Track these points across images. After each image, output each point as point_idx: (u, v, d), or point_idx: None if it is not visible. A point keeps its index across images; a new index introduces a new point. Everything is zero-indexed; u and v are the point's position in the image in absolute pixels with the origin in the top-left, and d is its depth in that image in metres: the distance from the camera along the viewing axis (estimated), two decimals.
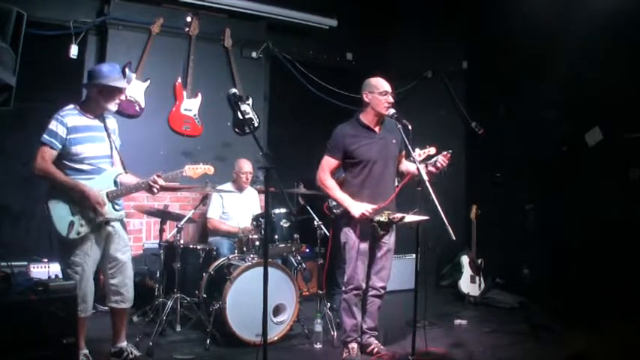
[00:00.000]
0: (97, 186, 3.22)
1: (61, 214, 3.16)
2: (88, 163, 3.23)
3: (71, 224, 3.15)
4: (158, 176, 3.25)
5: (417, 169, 3.37)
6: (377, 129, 3.69)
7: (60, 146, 3.16)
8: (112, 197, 3.26)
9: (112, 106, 3.31)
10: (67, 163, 3.20)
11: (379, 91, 3.60)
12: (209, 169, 3.49)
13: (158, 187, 3.26)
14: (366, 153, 3.61)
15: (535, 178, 5.62)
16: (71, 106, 3.31)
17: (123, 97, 3.37)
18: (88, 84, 3.34)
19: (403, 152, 3.83)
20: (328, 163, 3.66)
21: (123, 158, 3.45)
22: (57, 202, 3.16)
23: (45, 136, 3.15)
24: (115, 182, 3.32)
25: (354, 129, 3.67)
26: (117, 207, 3.34)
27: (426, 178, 3.32)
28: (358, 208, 3.49)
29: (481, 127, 6.44)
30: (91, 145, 3.25)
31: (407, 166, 3.84)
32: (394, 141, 3.71)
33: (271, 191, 2.95)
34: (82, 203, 3.17)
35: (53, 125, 3.17)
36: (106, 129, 3.36)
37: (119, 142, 3.50)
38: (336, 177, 3.76)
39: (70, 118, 3.21)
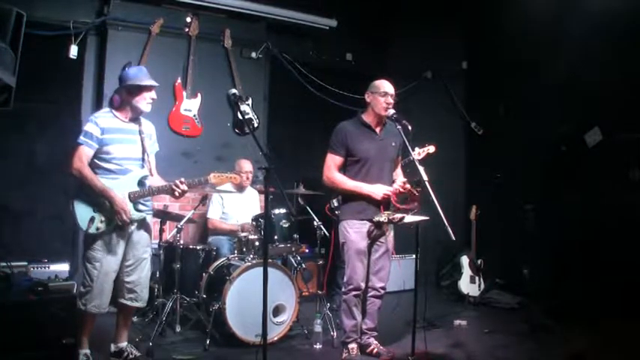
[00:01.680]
0: (121, 186, 3.28)
1: (83, 208, 3.22)
2: (115, 163, 3.30)
3: (92, 219, 3.21)
4: (181, 182, 3.31)
5: (417, 168, 3.38)
6: (378, 129, 3.72)
7: (96, 146, 3.26)
8: (134, 198, 3.31)
9: (144, 106, 3.37)
10: (96, 161, 3.28)
11: (379, 91, 3.64)
12: (235, 178, 3.52)
13: (180, 190, 3.31)
14: (365, 151, 3.63)
15: (535, 178, 5.62)
16: (107, 109, 3.46)
17: (154, 97, 3.40)
18: (117, 89, 3.43)
19: (399, 157, 3.86)
20: (333, 160, 3.68)
21: (154, 162, 3.51)
22: (82, 197, 3.23)
23: (81, 137, 3.26)
24: (141, 183, 3.36)
25: (356, 126, 3.71)
26: (141, 207, 3.37)
27: (425, 177, 3.32)
28: (379, 189, 3.55)
29: (481, 127, 6.44)
30: (121, 146, 3.32)
31: (397, 175, 3.87)
32: (394, 144, 3.74)
33: (271, 191, 2.95)
34: (107, 207, 3.22)
35: (88, 127, 3.27)
36: (140, 132, 3.42)
37: (157, 147, 3.58)
38: None
39: (103, 119, 3.31)
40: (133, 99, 3.34)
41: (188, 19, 5.38)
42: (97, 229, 3.22)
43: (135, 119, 3.43)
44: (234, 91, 3.29)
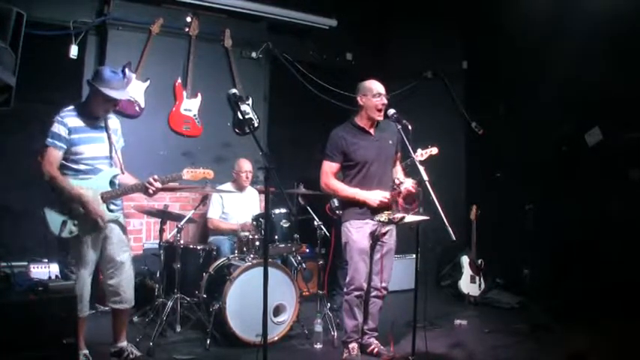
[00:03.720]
0: (92, 186, 3.24)
1: (54, 212, 3.17)
2: (85, 163, 3.24)
3: (64, 223, 3.16)
4: (154, 179, 3.25)
5: (418, 169, 3.38)
6: (372, 131, 3.71)
7: (65, 147, 3.19)
8: (107, 198, 3.26)
9: (99, 113, 3.29)
10: (65, 162, 3.22)
11: (372, 93, 3.63)
12: (208, 174, 3.47)
13: (154, 188, 3.26)
14: (362, 155, 3.63)
15: (535, 178, 5.62)
16: (71, 107, 3.32)
17: (113, 106, 3.33)
18: (88, 82, 3.32)
19: (399, 154, 3.86)
20: (330, 167, 3.68)
21: (122, 159, 3.44)
22: (52, 204, 3.17)
23: (49, 139, 3.19)
24: (112, 183, 3.32)
25: (349, 132, 3.69)
26: (113, 207, 3.33)
27: (426, 178, 3.32)
28: (375, 195, 3.53)
29: (481, 127, 6.44)
30: (90, 145, 3.26)
31: (396, 172, 3.86)
32: (390, 142, 3.74)
33: (271, 191, 2.95)
34: (80, 213, 3.17)
35: (55, 127, 3.20)
36: (107, 129, 3.35)
37: (122, 142, 3.51)
38: None
39: (69, 119, 3.23)
40: (94, 101, 3.26)
41: (188, 19, 5.38)
42: (71, 232, 3.17)
43: (100, 116, 3.34)
44: (234, 90, 3.28)
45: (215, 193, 4.82)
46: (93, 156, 3.27)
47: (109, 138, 3.35)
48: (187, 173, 3.36)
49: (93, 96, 3.27)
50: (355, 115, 3.76)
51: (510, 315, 4.99)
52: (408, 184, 3.47)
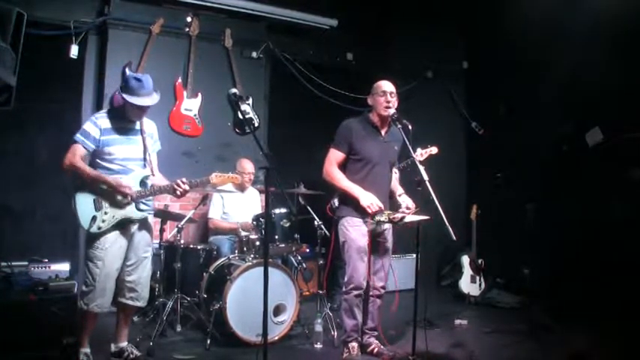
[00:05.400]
0: None
1: (85, 207, 3.23)
2: (118, 163, 3.31)
3: (93, 219, 3.21)
4: (183, 182, 3.31)
5: (418, 168, 3.39)
6: (383, 131, 3.73)
7: (92, 146, 3.26)
8: (137, 197, 3.32)
9: (134, 117, 3.38)
10: (98, 161, 3.30)
11: (378, 92, 3.67)
12: (236, 178, 3.50)
13: (182, 190, 3.31)
14: (368, 151, 3.64)
15: (535, 178, 5.62)
16: (106, 110, 3.45)
17: (146, 110, 3.40)
18: (119, 93, 3.40)
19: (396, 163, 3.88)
20: (335, 155, 3.69)
21: (156, 161, 3.51)
22: (83, 195, 3.24)
23: (78, 135, 3.26)
24: (143, 183, 3.37)
25: (362, 125, 3.72)
26: (142, 207, 3.38)
27: (426, 177, 3.33)
28: (367, 198, 3.52)
29: (481, 127, 6.44)
30: (123, 146, 3.33)
31: (395, 186, 3.87)
32: (395, 147, 3.78)
33: (271, 191, 2.95)
34: (107, 193, 3.23)
35: (87, 126, 3.28)
36: (142, 132, 3.42)
37: (159, 145, 3.58)
38: None
39: (103, 120, 3.31)
40: (126, 107, 3.33)
41: (188, 19, 5.38)
42: (99, 227, 3.22)
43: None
44: (234, 90, 3.30)
45: (216, 193, 4.82)
46: (125, 157, 3.33)
47: (144, 140, 3.41)
48: (215, 177, 3.38)
49: (125, 104, 3.34)
50: (370, 112, 3.79)
51: (510, 315, 4.99)
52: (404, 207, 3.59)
